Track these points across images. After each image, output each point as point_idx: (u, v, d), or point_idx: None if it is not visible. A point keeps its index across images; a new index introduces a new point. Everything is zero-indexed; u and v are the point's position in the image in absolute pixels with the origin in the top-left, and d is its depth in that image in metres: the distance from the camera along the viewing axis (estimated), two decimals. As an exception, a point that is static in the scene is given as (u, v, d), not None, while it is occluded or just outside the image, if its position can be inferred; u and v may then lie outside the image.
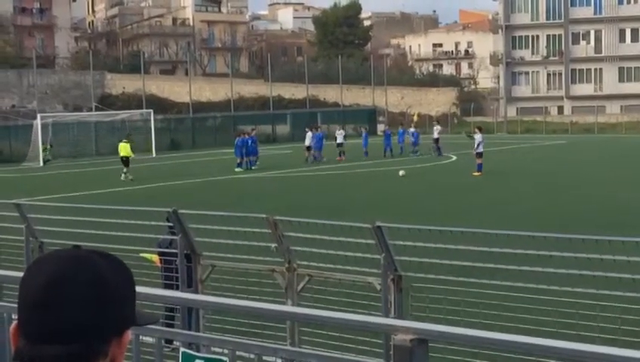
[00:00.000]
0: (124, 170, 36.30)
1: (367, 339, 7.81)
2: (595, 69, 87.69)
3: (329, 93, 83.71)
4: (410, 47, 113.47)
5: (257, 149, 43.86)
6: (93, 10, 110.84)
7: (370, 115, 78.54)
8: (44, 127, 52.36)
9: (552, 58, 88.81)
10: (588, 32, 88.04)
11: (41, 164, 50.34)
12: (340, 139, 49.23)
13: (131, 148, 37.62)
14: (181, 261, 9.44)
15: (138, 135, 58.31)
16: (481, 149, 35.52)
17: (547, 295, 7.49)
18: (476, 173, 34.74)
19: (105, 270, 1.69)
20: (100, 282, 1.66)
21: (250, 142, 42.94)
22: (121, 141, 38.70)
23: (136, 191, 31.21)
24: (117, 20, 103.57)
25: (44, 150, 52.56)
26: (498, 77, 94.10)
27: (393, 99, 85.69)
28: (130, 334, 1.75)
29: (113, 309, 1.67)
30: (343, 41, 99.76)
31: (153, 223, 10.26)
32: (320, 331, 8.02)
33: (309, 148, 47.25)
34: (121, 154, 37.24)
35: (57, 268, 1.65)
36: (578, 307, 7.25)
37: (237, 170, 40.97)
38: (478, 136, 36.07)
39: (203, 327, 8.97)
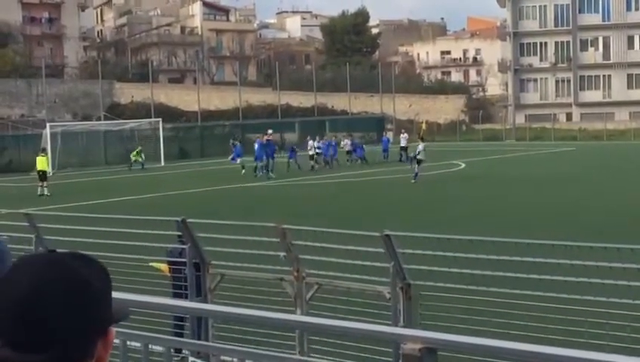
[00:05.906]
0: (43, 184, 35.06)
1: (376, 348, 7.80)
2: (604, 76, 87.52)
3: (337, 101, 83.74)
4: (419, 54, 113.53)
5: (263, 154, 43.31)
6: (102, 20, 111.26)
7: (378, 123, 78.52)
8: (53, 136, 52.49)
9: (560, 65, 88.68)
10: (596, 39, 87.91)
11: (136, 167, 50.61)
12: (347, 147, 49.82)
13: (47, 162, 36.25)
14: (190, 270, 9.44)
15: (147, 144, 58.47)
16: (421, 156, 36.33)
17: (556, 303, 7.46)
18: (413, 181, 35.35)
19: (82, 272, 1.68)
20: (78, 285, 1.65)
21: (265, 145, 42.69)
22: (37, 155, 37.48)
23: (146, 201, 31.26)
24: (125, 29, 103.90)
25: (137, 154, 52.75)
26: (506, 84, 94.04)
27: (401, 106, 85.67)
28: (114, 332, 1.74)
29: (94, 310, 1.66)
30: (351, 49, 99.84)
31: (163, 232, 10.28)
32: (329, 340, 8.01)
33: (312, 156, 47.29)
34: (38, 168, 35.98)
35: (35, 275, 1.64)
36: (587, 315, 7.22)
37: (256, 175, 41.11)
38: (420, 145, 37.01)
39: (212, 336, 8.97)
